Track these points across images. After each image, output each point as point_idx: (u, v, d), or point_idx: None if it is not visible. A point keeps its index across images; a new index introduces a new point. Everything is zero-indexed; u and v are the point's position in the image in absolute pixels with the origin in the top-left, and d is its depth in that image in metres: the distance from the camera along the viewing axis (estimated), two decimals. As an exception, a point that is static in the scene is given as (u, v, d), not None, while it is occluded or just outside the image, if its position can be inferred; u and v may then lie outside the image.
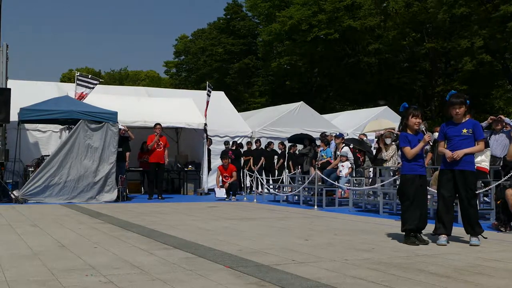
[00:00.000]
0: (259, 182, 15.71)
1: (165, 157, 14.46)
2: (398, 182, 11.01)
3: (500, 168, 8.99)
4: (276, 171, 17.37)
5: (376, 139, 13.96)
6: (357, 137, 16.11)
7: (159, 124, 14.64)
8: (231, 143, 17.58)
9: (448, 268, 4.53)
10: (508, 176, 7.66)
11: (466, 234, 6.11)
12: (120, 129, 13.54)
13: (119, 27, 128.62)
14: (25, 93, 15.34)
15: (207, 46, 48.39)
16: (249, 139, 18.41)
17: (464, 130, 6.03)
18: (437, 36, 35.39)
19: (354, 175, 12.88)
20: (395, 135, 12.45)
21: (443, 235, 5.98)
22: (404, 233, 6.07)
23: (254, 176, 15.27)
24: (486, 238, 6.11)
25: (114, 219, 8.69)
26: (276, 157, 17.54)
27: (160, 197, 14.23)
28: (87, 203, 12.21)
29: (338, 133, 14.66)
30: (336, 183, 12.07)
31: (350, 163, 12.59)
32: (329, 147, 14.50)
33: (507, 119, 9.99)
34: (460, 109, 6.06)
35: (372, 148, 14.58)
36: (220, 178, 14.85)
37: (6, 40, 13.91)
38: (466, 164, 6.00)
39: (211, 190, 16.71)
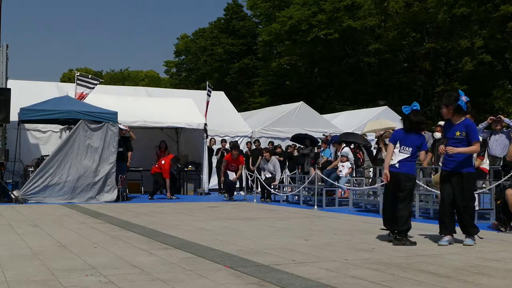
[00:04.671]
0: (259, 182, 15.70)
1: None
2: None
3: (500, 168, 8.98)
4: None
5: (376, 139, 13.95)
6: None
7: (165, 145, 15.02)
8: (229, 143, 17.56)
9: (448, 268, 4.53)
10: (508, 176, 7.66)
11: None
12: (121, 129, 13.54)
13: (119, 27, 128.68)
14: (25, 93, 15.32)
15: (207, 45, 48.42)
16: (249, 139, 18.40)
17: (457, 133, 5.96)
18: (437, 36, 35.41)
19: (354, 175, 12.88)
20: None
21: (446, 236, 5.97)
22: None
23: (254, 176, 15.26)
24: (482, 238, 6.10)
25: (114, 219, 8.69)
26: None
27: (174, 197, 14.41)
28: (87, 203, 12.21)
29: (332, 136, 14.84)
30: (336, 183, 12.07)
31: (350, 163, 12.60)
32: (328, 147, 14.50)
33: (506, 119, 9.96)
34: (444, 109, 6.03)
35: (372, 148, 14.57)
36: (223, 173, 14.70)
37: (6, 40, 13.93)
38: (463, 166, 5.94)
39: (212, 190, 16.71)
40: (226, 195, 14.65)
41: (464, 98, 5.97)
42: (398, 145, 6.19)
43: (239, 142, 17.95)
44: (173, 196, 14.47)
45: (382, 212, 6.45)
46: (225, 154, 16.93)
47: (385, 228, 6.28)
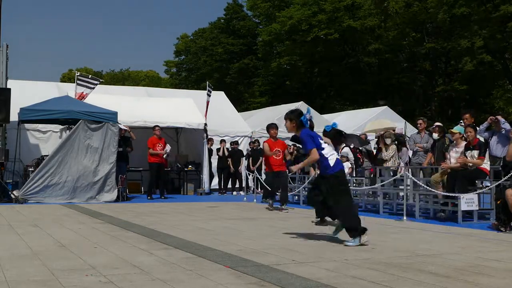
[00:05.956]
0: (259, 182, 15.70)
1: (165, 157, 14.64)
2: (397, 182, 11.03)
3: (500, 168, 8.99)
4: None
5: (376, 139, 13.96)
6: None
7: (158, 126, 14.75)
8: (229, 143, 17.56)
9: (448, 268, 4.53)
10: (508, 176, 7.66)
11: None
12: (121, 129, 13.54)
13: (119, 27, 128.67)
14: (25, 93, 15.34)
15: (207, 45, 48.43)
16: (249, 139, 18.41)
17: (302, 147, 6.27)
18: (437, 36, 35.42)
19: (354, 175, 12.87)
20: (394, 135, 12.45)
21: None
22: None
23: (254, 176, 15.26)
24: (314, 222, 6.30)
25: (114, 219, 8.69)
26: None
27: (162, 197, 14.35)
28: (87, 203, 12.21)
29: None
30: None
31: (351, 163, 12.59)
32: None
33: (502, 120, 9.92)
34: (287, 123, 6.16)
35: (373, 148, 14.58)
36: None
37: (6, 40, 13.94)
38: (325, 170, 6.14)
39: (213, 190, 16.72)
40: (270, 201, 11.18)
41: (308, 116, 6.14)
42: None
43: (239, 142, 17.96)
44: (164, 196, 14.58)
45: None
46: (227, 152, 16.93)
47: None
